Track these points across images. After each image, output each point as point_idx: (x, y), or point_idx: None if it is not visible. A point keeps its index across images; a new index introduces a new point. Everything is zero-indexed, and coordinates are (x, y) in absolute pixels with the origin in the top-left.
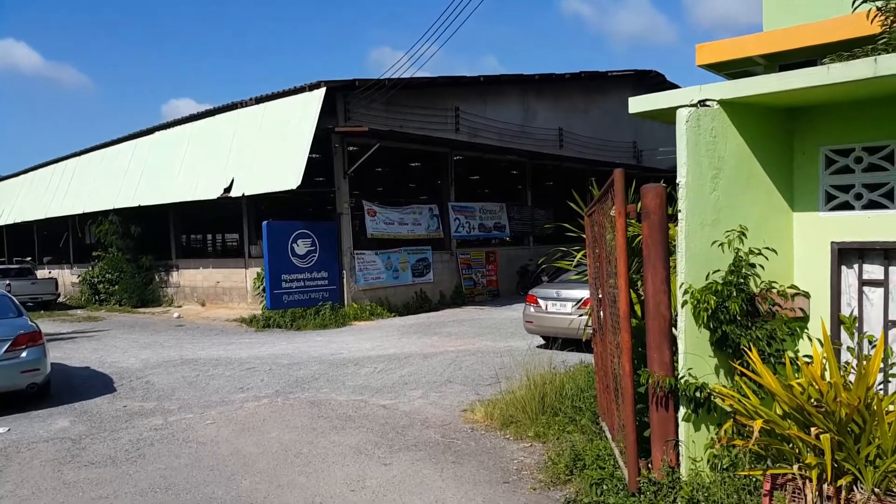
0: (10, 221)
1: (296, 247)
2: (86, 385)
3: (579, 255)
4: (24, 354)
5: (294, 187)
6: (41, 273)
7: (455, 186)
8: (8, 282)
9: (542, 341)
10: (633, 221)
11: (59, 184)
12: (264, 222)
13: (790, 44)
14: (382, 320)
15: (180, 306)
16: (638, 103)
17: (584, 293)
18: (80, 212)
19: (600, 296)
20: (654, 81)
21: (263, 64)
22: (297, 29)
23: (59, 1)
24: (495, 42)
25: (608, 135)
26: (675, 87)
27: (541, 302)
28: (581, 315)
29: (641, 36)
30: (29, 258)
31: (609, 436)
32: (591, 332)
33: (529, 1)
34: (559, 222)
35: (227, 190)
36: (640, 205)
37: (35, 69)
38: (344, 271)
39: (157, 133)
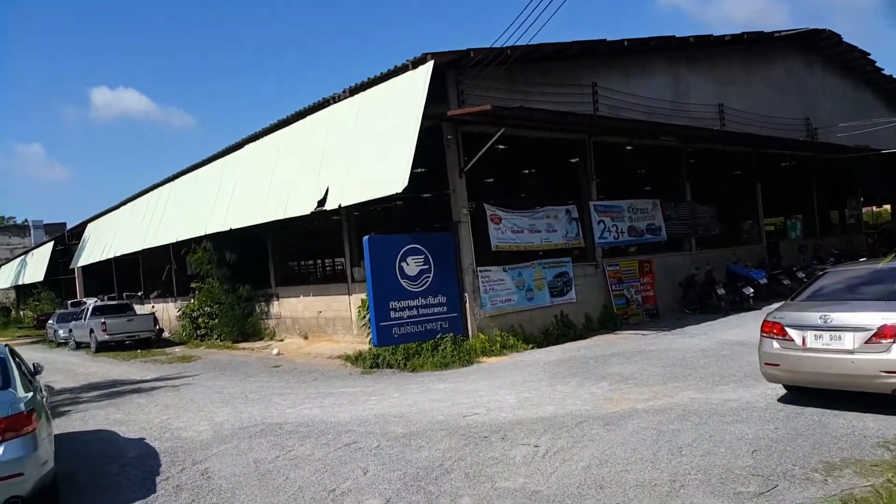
0: (111, 255)
1: (405, 266)
2: (119, 478)
3: None
4: None
5: (399, 191)
6: (146, 308)
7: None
8: (103, 320)
9: (783, 390)
10: None
11: (154, 212)
12: (365, 237)
13: None
14: (518, 355)
15: (282, 340)
16: None
17: (878, 317)
18: (174, 240)
19: None
20: (827, 44)
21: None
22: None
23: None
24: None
25: (773, 110)
26: (852, 48)
27: (793, 333)
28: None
29: (750, 22)
30: (140, 292)
31: None
32: None
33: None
34: (726, 218)
35: (322, 203)
36: None
37: (145, 113)
38: (466, 294)
39: (246, 147)
